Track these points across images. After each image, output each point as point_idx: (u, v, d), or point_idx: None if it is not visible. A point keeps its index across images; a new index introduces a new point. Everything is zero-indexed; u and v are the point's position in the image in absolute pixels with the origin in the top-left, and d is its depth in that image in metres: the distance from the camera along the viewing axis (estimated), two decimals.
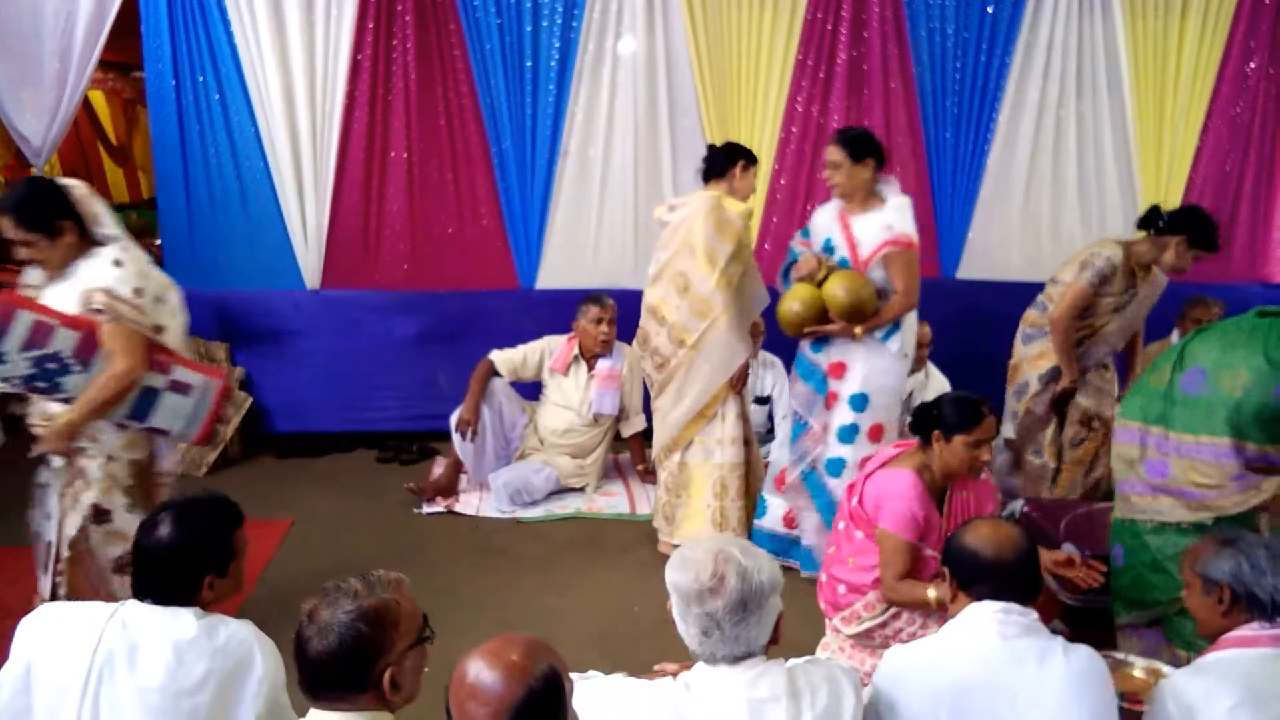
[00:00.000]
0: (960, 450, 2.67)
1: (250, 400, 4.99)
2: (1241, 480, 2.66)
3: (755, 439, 4.10)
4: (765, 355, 4.78)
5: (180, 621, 1.83)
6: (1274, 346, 2.63)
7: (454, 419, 4.47)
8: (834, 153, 3.49)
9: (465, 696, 1.42)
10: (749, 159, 3.81)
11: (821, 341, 3.64)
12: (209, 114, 4.83)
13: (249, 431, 5.02)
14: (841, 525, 2.85)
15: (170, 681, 1.77)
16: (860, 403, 3.61)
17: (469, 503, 4.45)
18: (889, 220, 3.53)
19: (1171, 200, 5.35)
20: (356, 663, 1.55)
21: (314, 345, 5.07)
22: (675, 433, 3.86)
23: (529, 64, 4.94)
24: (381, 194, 5.04)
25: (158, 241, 5.17)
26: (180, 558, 1.87)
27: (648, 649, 3.01)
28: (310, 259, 5.00)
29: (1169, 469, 2.77)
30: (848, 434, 3.62)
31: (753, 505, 3.97)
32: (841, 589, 2.81)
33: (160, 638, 1.80)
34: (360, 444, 5.14)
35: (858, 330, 3.53)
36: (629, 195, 5.15)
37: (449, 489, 4.52)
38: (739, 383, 3.85)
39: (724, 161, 3.79)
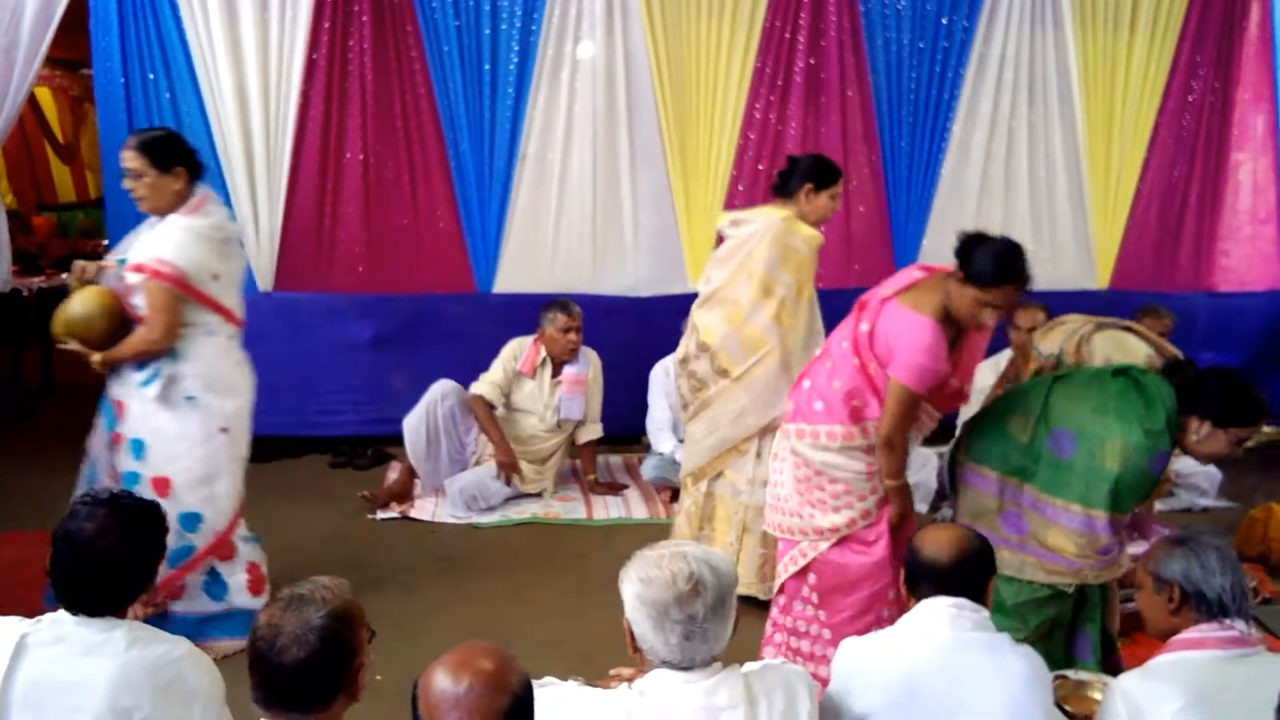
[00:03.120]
0: (969, 301, 2.62)
1: None
2: (1107, 554, 2.71)
3: None
4: None
5: (111, 638, 1.77)
6: (1146, 418, 2.63)
7: (405, 424, 4.44)
8: (131, 159, 2.99)
9: (449, 708, 1.40)
10: (821, 180, 3.39)
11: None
12: (159, 112, 4.74)
13: None
14: (845, 345, 2.80)
15: (99, 705, 1.71)
16: (138, 449, 3.08)
17: (424, 508, 4.40)
18: (155, 240, 3.00)
19: (1120, 209, 5.47)
20: (336, 666, 1.54)
21: (265, 348, 4.88)
22: (704, 462, 3.58)
23: (487, 67, 4.92)
24: (336, 196, 4.98)
25: (105, 242, 5.06)
26: (114, 568, 1.80)
27: (604, 656, 2.96)
28: (263, 261, 4.92)
29: (1025, 525, 2.76)
30: (130, 482, 3.03)
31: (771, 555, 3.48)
32: (819, 405, 2.82)
33: (90, 655, 1.74)
34: (312, 449, 5.06)
35: (95, 358, 3.01)
36: (587, 200, 5.14)
37: (404, 495, 4.47)
38: None
39: (792, 179, 3.41)
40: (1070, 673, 2.61)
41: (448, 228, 5.11)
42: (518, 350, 4.52)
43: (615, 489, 4.70)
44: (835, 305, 5.09)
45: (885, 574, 2.84)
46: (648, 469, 4.72)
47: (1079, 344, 2.92)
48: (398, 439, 4.58)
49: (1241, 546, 3.98)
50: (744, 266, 3.42)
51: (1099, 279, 5.49)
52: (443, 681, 1.41)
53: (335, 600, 1.56)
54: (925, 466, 4.63)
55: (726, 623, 1.71)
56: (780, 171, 3.51)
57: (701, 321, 3.54)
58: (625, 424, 4.98)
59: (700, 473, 3.60)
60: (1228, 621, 1.95)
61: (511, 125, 4.99)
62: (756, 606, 3.43)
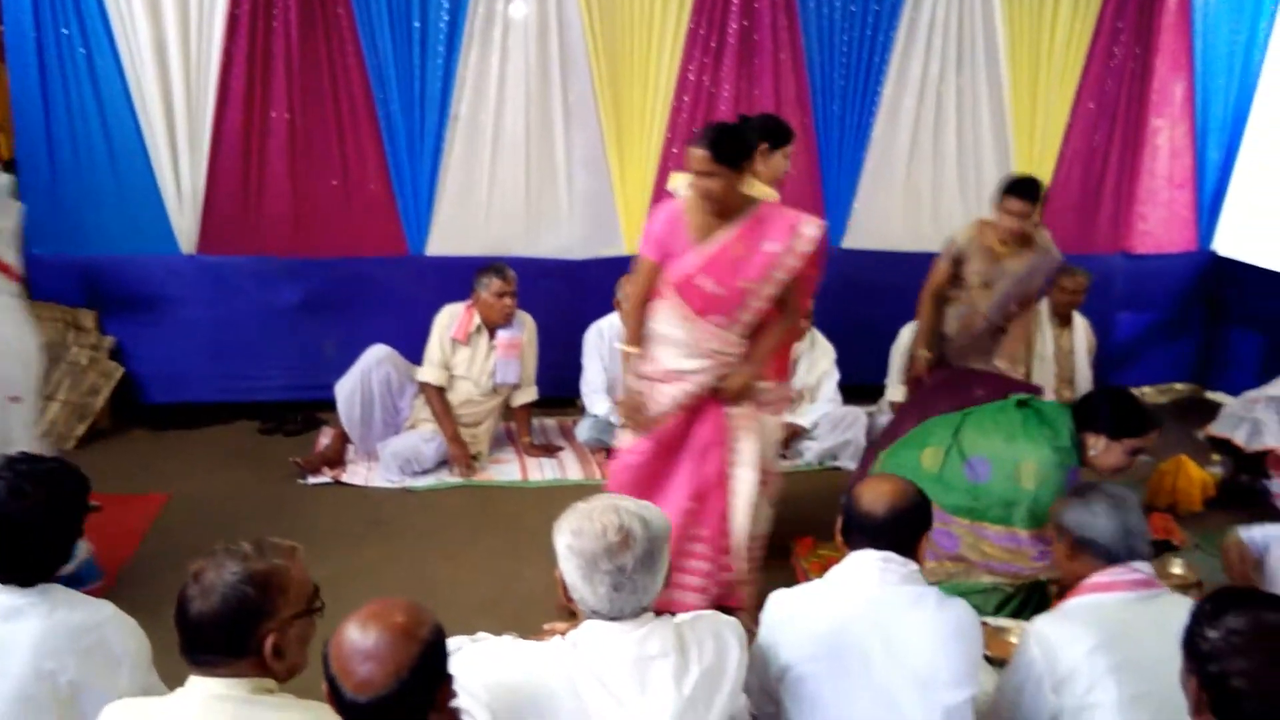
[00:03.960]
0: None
1: (121, 371, 4.77)
2: (1043, 559, 2.91)
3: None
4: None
5: (33, 602, 1.74)
6: (1053, 438, 2.91)
7: (338, 389, 4.39)
8: None
9: (360, 660, 1.41)
10: (776, 139, 3.41)
11: None
12: (73, 69, 4.55)
13: (120, 403, 4.79)
14: None
15: (23, 668, 1.68)
16: None
17: (357, 473, 4.36)
18: None
19: (1044, 172, 5.58)
20: (237, 626, 1.52)
21: (190, 313, 4.87)
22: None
23: (417, 24, 4.81)
24: (262, 156, 4.84)
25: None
26: (38, 533, 1.77)
27: (539, 614, 3.00)
28: (185, 222, 4.79)
29: (958, 541, 2.98)
30: None
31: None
32: None
33: (13, 619, 1.71)
34: (241, 415, 4.97)
35: None
36: (520, 161, 5.09)
37: (335, 460, 4.42)
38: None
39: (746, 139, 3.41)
40: (989, 619, 2.72)
41: (378, 189, 5.01)
42: (450, 319, 4.47)
43: (550, 451, 4.71)
44: None
45: None
46: (582, 431, 4.74)
47: None
48: (329, 404, 4.52)
49: (1152, 499, 4.16)
50: None
51: None
52: (352, 635, 1.42)
53: (257, 562, 1.55)
54: (855, 424, 4.74)
55: (656, 575, 1.74)
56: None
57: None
58: (560, 386, 4.99)
59: None
60: (1135, 565, 2.04)
61: (443, 84, 4.91)
62: None
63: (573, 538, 1.73)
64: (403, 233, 5.08)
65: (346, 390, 4.39)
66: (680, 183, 3.49)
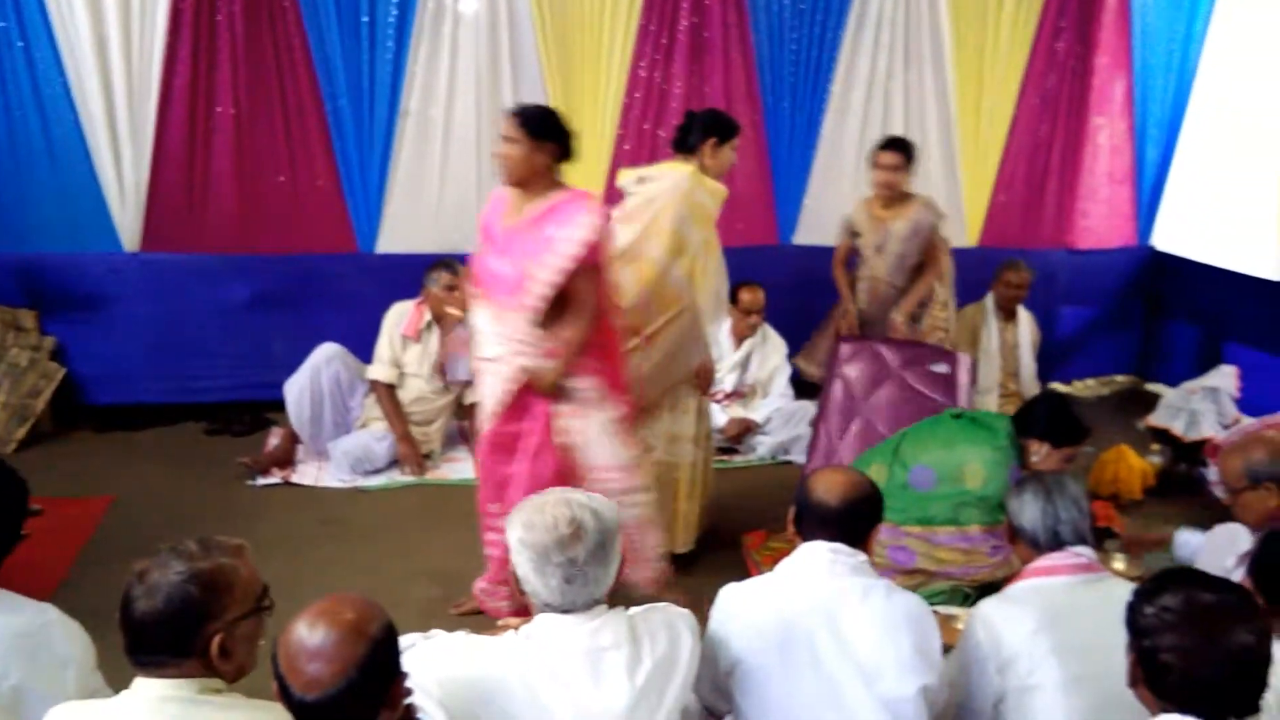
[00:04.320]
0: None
1: (63, 371, 4.67)
2: (998, 555, 3.03)
3: (712, 439, 3.85)
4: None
5: None
6: (991, 438, 3.06)
7: (287, 388, 4.34)
8: None
9: (307, 659, 1.40)
10: (724, 133, 3.42)
11: None
12: (11, 63, 4.45)
13: (63, 404, 4.69)
14: None
15: None
16: None
17: (307, 473, 4.31)
18: None
19: (988, 169, 5.68)
20: (183, 626, 1.50)
21: (134, 311, 4.78)
22: None
23: (365, 19, 4.76)
24: (207, 151, 4.77)
25: None
26: None
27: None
28: (128, 220, 4.69)
29: (914, 554, 3.09)
30: None
31: (705, 510, 3.73)
32: None
33: None
34: (187, 416, 4.88)
35: None
36: (472, 157, 5.06)
37: (285, 460, 4.37)
38: (706, 382, 3.58)
39: (692, 134, 3.41)
40: (939, 607, 2.78)
41: (326, 185, 4.96)
42: (400, 316, 4.43)
43: None
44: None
45: None
46: None
47: None
48: (278, 404, 4.46)
49: (1095, 487, 4.26)
50: (653, 224, 3.34)
51: (969, 237, 5.72)
52: (300, 632, 1.41)
53: (202, 561, 1.53)
54: (807, 419, 4.77)
55: (608, 566, 1.75)
56: (679, 127, 3.49)
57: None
58: None
59: None
60: (1078, 550, 2.10)
61: (392, 79, 4.86)
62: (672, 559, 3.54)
63: (524, 531, 1.73)
64: (352, 229, 5.03)
65: (296, 389, 4.34)
66: (629, 179, 3.52)
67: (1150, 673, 1.55)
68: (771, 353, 4.94)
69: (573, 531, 1.70)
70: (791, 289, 5.06)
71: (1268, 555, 2.06)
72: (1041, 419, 3.15)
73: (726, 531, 3.91)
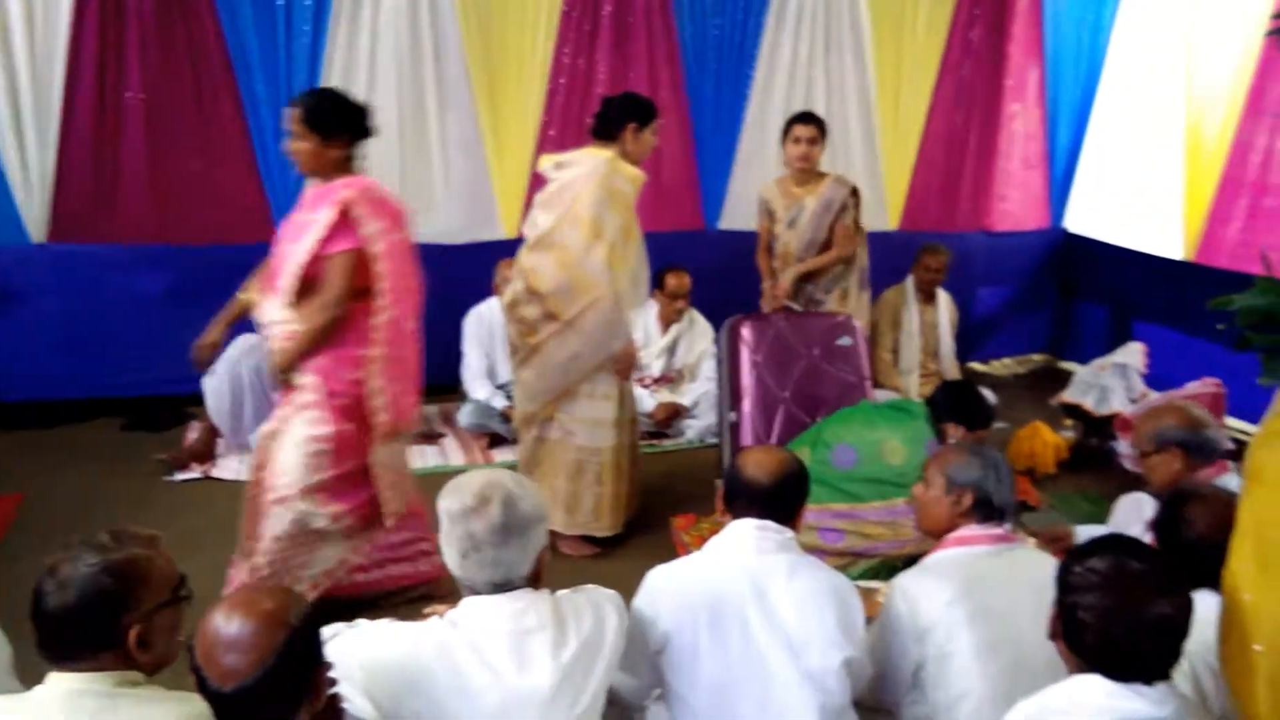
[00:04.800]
0: None
1: None
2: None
3: (636, 423, 3.80)
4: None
5: None
6: (908, 417, 3.22)
7: (205, 382, 4.24)
8: None
9: (223, 649, 1.38)
10: (644, 118, 3.42)
11: None
12: None
13: None
14: None
15: None
16: None
17: (228, 467, 4.23)
18: None
19: (908, 154, 5.80)
20: (97, 618, 1.47)
21: (43, 304, 4.62)
22: (535, 406, 3.55)
23: (280, 2, 4.66)
24: (117, 138, 4.62)
25: None
26: None
27: (424, 598, 3.01)
28: (34, 210, 4.53)
29: (841, 534, 3.17)
30: None
31: (632, 493, 3.74)
32: None
33: None
34: (102, 412, 4.75)
35: None
36: (394, 145, 4.99)
37: (205, 454, 4.28)
38: (626, 368, 3.56)
39: (612, 119, 3.41)
40: (860, 582, 2.84)
41: (243, 173, 4.84)
42: None
43: (431, 439, 4.66)
44: (646, 248, 5.21)
45: None
46: (464, 416, 4.71)
47: None
48: (197, 398, 4.36)
49: (1011, 462, 4.33)
50: (571, 210, 3.36)
51: (890, 221, 5.83)
52: (216, 622, 1.39)
53: (115, 553, 1.50)
54: None
55: (512, 550, 1.73)
56: (598, 113, 3.49)
57: (530, 265, 3.48)
58: (440, 373, 4.91)
59: (531, 417, 3.60)
60: (993, 521, 2.17)
61: (309, 65, 4.77)
62: (594, 544, 3.56)
63: (444, 498, 1.77)
64: (271, 218, 4.91)
65: (215, 382, 4.24)
66: (548, 165, 3.52)
67: (1069, 628, 1.62)
68: (698, 337, 4.98)
69: (476, 505, 1.71)
70: (717, 274, 5.11)
71: (1168, 512, 2.15)
72: (953, 404, 3.28)
73: (656, 514, 3.94)
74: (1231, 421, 4.45)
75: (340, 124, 2.88)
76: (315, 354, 2.88)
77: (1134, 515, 2.93)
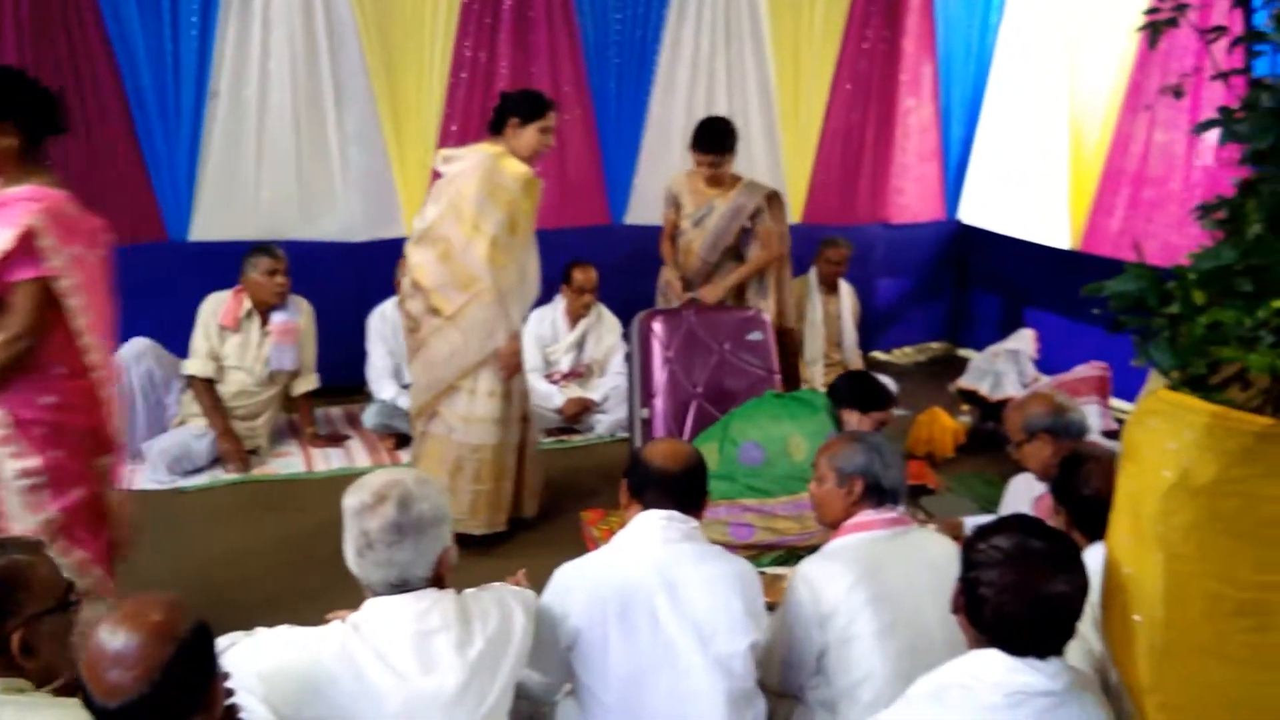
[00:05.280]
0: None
1: None
2: None
3: (531, 420, 3.77)
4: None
5: None
6: (811, 412, 3.29)
7: None
8: None
9: (108, 664, 1.33)
10: (527, 114, 3.39)
11: None
12: None
13: None
14: None
15: None
16: None
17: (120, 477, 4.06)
18: None
19: (808, 148, 5.90)
20: None
21: None
22: (422, 401, 3.56)
23: None
24: None
25: None
26: None
27: (328, 604, 2.94)
28: None
29: (752, 529, 3.24)
30: None
31: (520, 493, 3.71)
32: None
33: None
34: None
35: None
36: (290, 140, 4.87)
37: None
38: (509, 366, 3.50)
39: (501, 115, 3.42)
40: (766, 569, 2.90)
41: (130, 170, 4.66)
42: (216, 306, 4.23)
43: (336, 441, 4.56)
44: (551, 245, 5.20)
45: None
46: (369, 417, 4.62)
47: None
48: None
49: (911, 447, 4.52)
50: (454, 204, 3.38)
51: (792, 214, 5.91)
52: (101, 637, 1.34)
53: None
54: None
55: (405, 551, 1.71)
56: (495, 108, 3.50)
57: (414, 260, 3.48)
58: (345, 374, 4.84)
59: (420, 412, 3.60)
60: (887, 505, 2.23)
61: (199, 58, 4.61)
62: (473, 543, 3.53)
63: (347, 495, 1.75)
64: (161, 217, 4.76)
65: None
66: (438, 159, 3.52)
67: (970, 603, 1.68)
68: (606, 332, 4.99)
69: (373, 503, 1.70)
70: (624, 268, 5.12)
71: (1064, 474, 2.26)
72: (848, 390, 3.39)
73: (566, 509, 3.94)
74: (1116, 402, 4.67)
75: (6, 105, 2.39)
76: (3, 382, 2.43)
77: (1024, 495, 3.06)
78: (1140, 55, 5.02)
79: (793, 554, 3.29)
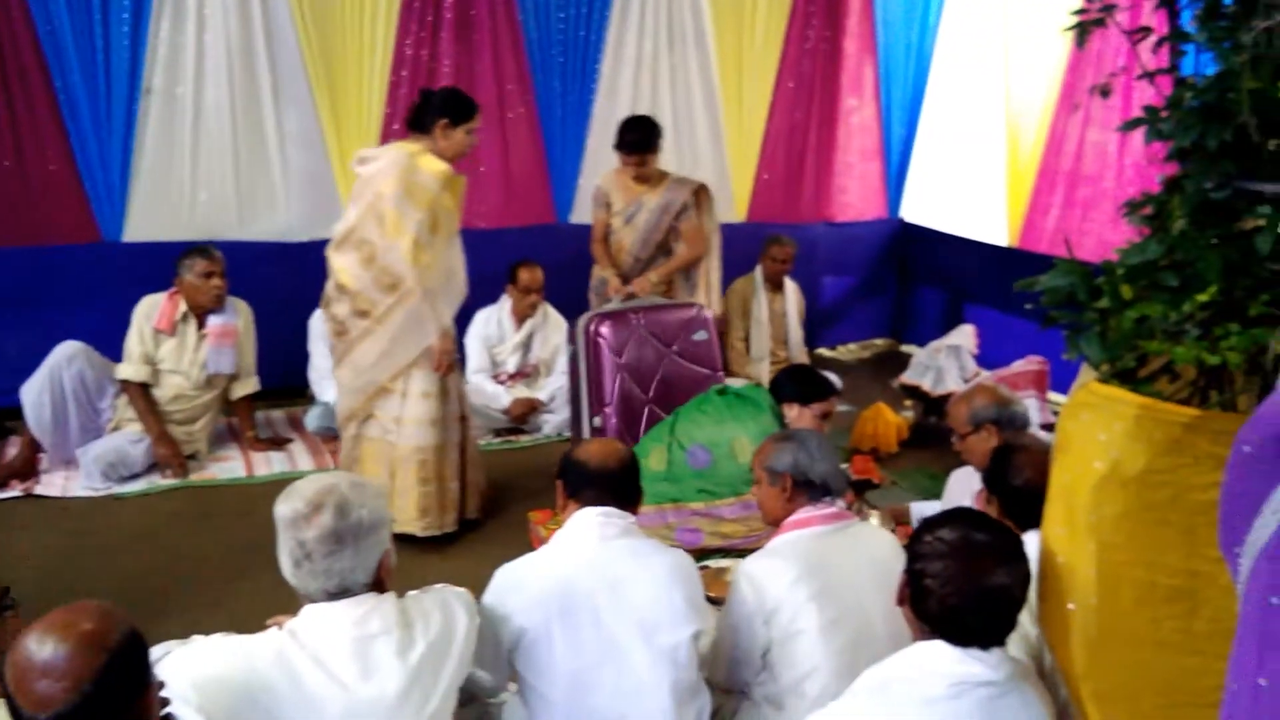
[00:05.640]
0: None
1: None
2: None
3: (468, 421, 3.70)
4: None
5: None
6: (755, 411, 3.31)
7: (24, 393, 3.96)
8: None
9: (36, 676, 1.29)
10: (457, 115, 3.35)
11: None
12: None
13: None
14: None
15: None
16: None
17: (53, 483, 3.96)
18: None
19: (752, 148, 5.94)
20: None
21: None
22: (354, 405, 3.51)
23: None
24: None
25: None
26: None
27: (269, 611, 2.88)
28: None
29: (700, 533, 3.26)
30: None
31: (465, 492, 3.66)
32: None
33: None
34: None
35: None
36: (227, 138, 4.78)
37: (26, 471, 3.99)
38: (442, 363, 3.45)
39: (427, 113, 3.36)
40: (709, 563, 2.91)
41: (60, 170, 4.53)
42: (150, 309, 4.13)
43: (278, 444, 4.48)
44: (497, 244, 5.18)
45: None
46: (312, 420, 4.56)
47: None
48: (15, 410, 4.07)
49: (856, 443, 4.57)
50: (373, 206, 3.32)
51: (737, 213, 5.96)
52: (29, 647, 1.30)
53: None
54: None
55: (344, 559, 1.68)
56: (414, 105, 3.44)
57: (337, 264, 3.43)
58: (287, 376, 4.76)
59: (351, 415, 3.55)
60: (827, 500, 2.25)
61: (131, 55, 4.50)
62: (415, 544, 3.49)
63: (278, 504, 1.71)
64: (93, 217, 4.64)
65: (34, 392, 3.96)
66: (354, 160, 3.48)
67: (915, 594, 1.70)
68: (553, 332, 4.97)
69: (309, 512, 1.66)
70: (570, 268, 5.09)
71: (997, 465, 2.30)
72: (788, 384, 3.42)
73: (513, 509, 3.92)
74: (1054, 396, 4.77)
75: None
76: None
77: (965, 488, 3.10)
78: (1073, 56, 5.14)
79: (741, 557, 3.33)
